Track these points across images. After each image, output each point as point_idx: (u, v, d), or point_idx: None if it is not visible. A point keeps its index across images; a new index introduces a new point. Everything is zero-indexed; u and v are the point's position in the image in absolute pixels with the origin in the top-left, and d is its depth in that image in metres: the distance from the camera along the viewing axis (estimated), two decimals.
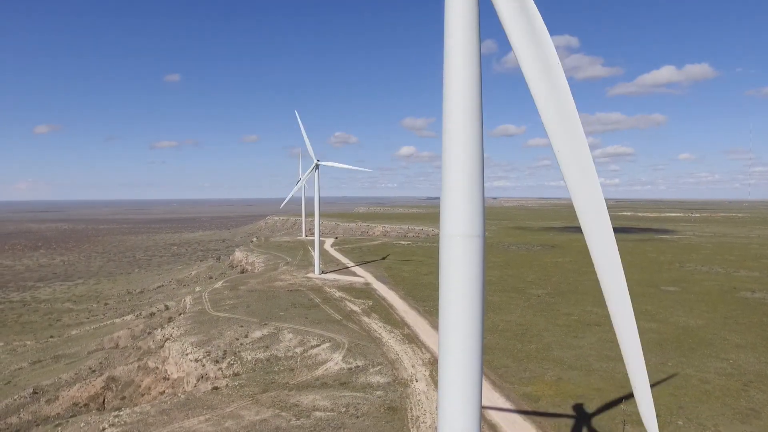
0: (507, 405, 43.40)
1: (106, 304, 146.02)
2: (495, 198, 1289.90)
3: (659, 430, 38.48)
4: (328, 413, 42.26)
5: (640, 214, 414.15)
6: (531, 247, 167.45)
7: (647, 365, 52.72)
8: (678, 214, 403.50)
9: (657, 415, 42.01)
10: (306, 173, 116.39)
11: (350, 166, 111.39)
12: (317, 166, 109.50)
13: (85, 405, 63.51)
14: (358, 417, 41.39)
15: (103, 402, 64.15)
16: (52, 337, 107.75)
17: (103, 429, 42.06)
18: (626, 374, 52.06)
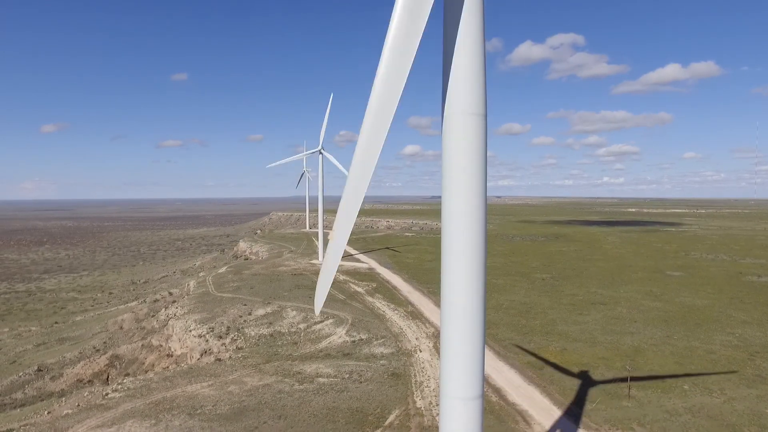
0: (511, 372, 43.19)
1: (110, 293, 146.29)
2: (499, 197, 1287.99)
3: (666, 393, 38.24)
4: (332, 379, 42.13)
5: (645, 210, 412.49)
6: (535, 237, 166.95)
7: (653, 339, 52.27)
8: (683, 210, 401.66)
9: (662, 381, 41.56)
10: (308, 151, 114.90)
11: (325, 119, 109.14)
12: (321, 152, 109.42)
13: (89, 381, 63.55)
14: (361, 382, 41.23)
15: (107, 379, 64.19)
16: (56, 323, 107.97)
17: (107, 394, 42.04)
18: (631, 345, 51.81)
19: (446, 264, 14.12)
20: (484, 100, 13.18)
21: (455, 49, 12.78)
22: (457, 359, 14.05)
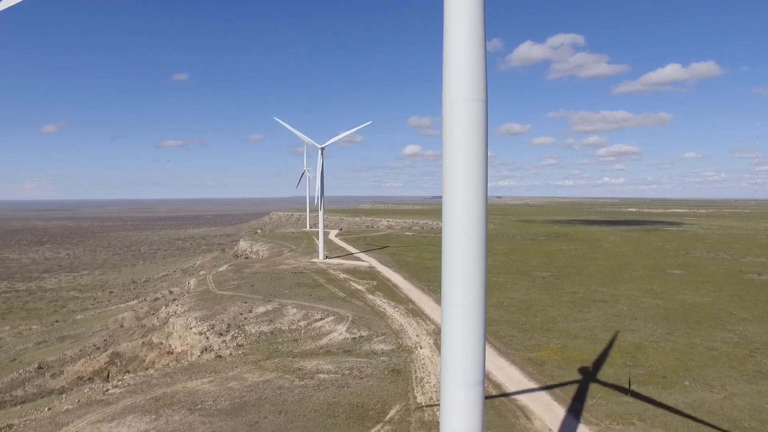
0: (512, 368, 43.16)
1: (111, 292, 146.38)
2: (499, 197, 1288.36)
3: (667, 389, 38.13)
4: (332, 375, 42.11)
5: (645, 210, 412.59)
6: (536, 237, 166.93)
7: (653, 335, 52.24)
8: (684, 210, 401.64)
9: (663, 377, 41.58)
10: (311, 141, 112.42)
11: (350, 131, 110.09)
12: (322, 150, 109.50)
13: (90, 379, 63.58)
14: (362, 378, 41.21)
15: (108, 376, 64.19)
16: (57, 321, 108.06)
17: (107, 390, 42.03)
18: (632, 342, 51.52)
19: (447, 248, 14.11)
20: (484, 86, 13.17)
21: (456, 34, 12.78)
22: (458, 346, 14.03)
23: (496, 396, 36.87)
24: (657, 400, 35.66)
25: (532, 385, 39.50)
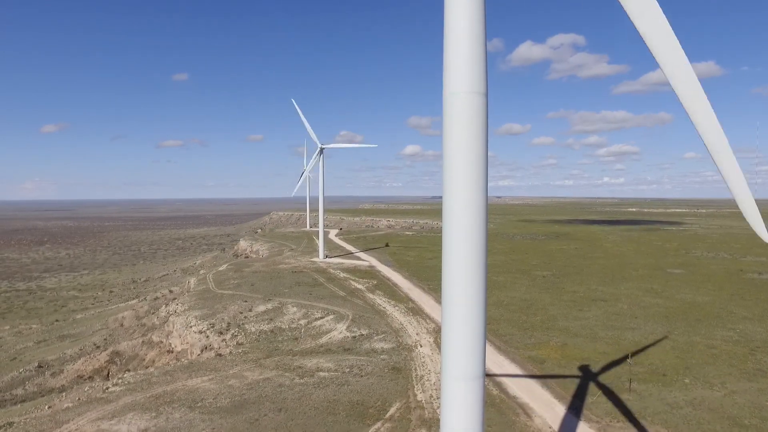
0: (512, 366, 43.12)
1: (111, 291, 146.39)
2: (499, 197, 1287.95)
3: (667, 386, 38.16)
4: (332, 373, 42.10)
5: (645, 210, 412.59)
6: (536, 236, 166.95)
7: (654, 334, 52.39)
8: (684, 210, 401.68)
9: (663, 374, 41.60)
10: (312, 160, 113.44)
11: (354, 145, 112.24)
12: (322, 150, 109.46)
13: (90, 377, 63.59)
14: (362, 376, 41.20)
15: (108, 375, 64.20)
16: (57, 320, 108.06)
17: (107, 388, 42.03)
18: (632, 340, 51.60)
19: (447, 247, 14.10)
20: (485, 79, 13.17)
21: (456, 26, 12.77)
22: (458, 345, 14.03)
23: (493, 375, 36.96)
24: (627, 406, 35.70)
25: (533, 382, 39.47)
